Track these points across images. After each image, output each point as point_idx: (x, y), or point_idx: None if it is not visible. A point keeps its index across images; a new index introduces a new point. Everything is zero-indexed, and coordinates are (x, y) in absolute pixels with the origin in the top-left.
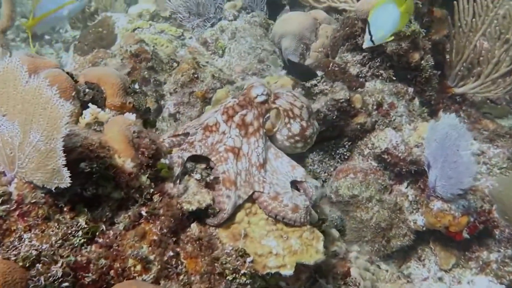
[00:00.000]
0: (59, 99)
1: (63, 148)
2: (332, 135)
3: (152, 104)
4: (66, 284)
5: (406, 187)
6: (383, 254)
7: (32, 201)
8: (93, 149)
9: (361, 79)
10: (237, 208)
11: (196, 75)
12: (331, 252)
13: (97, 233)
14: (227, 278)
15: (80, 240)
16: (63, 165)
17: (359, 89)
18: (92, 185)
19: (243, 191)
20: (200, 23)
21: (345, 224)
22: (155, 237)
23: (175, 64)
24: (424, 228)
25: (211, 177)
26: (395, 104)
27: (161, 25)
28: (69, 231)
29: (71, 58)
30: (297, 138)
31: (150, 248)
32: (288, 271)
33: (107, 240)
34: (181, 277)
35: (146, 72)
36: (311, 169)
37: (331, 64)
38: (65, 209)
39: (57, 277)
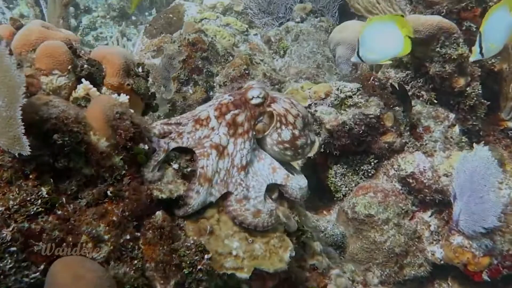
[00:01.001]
0: (16, 69)
1: (21, 117)
2: (358, 150)
3: (201, 93)
4: (14, 249)
5: (430, 216)
6: (393, 281)
7: None
8: (68, 123)
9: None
10: (210, 204)
11: (247, 71)
12: (309, 265)
13: (56, 205)
14: (183, 271)
15: (37, 208)
16: (23, 133)
17: (396, 107)
18: (64, 157)
19: (217, 189)
20: (269, 21)
21: (346, 242)
22: (114, 218)
23: (230, 58)
24: (442, 262)
25: (189, 169)
26: (431, 128)
27: (228, 19)
28: (29, 198)
29: (140, 40)
30: (286, 145)
31: (107, 228)
32: (244, 275)
33: (66, 213)
34: (135, 261)
35: (200, 62)
36: (333, 181)
37: (372, 78)
38: (30, 176)
39: (5, 240)
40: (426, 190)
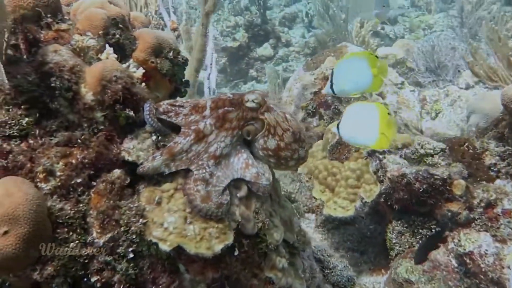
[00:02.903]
0: None
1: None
2: (420, 211)
3: (323, 128)
4: None
5: None
6: None
7: None
8: (62, 70)
9: (491, 173)
10: (170, 178)
11: None
12: (265, 277)
13: (28, 135)
14: (121, 227)
15: (13, 132)
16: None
17: (483, 182)
18: (55, 99)
19: (177, 164)
20: (433, 81)
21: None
22: (73, 161)
23: None
24: None
25: (163, 143)
26: None
27: None
28: (9, 122)
29: (297, 71)
30: (270, 153)
31: (63, 166)
32: (164, 246)
33: (35, 144)
34: (80, 204)
35: (330, 98)
36: (389, 237)
37: (465, 143)
38: (22, 106)
39: None
40: (482, 276)
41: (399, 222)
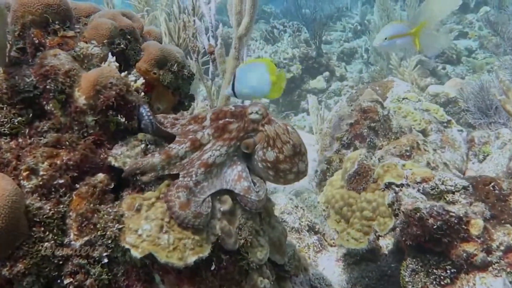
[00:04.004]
0: None
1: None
2: (435, 249)
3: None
4: None
5: None
6: None
7: None
8: (58, 73)
9: None
10: (154, 187)
11: (408, 153)
12: None
13: (18, 134)
14: (98, 231)
15: (4, 130)
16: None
17: (508, 225)
18: (50, 102)
19: (170, 168)
20: (484, 124)
21: None
22: (58, 162)
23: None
24: None
25: (151, 152)
26: None
27: (429, 105)
28: (1, 120)
29: (340, 102)
30: (268, 164)
31: (47, 166)
32: (136, 253)
33: (24, 143)
34: (60, 205)
35: (366, 130)
36: (403, 275)
37: (491, 183)
38: (16, 106)
39: None
40: None
41: (414, 260)
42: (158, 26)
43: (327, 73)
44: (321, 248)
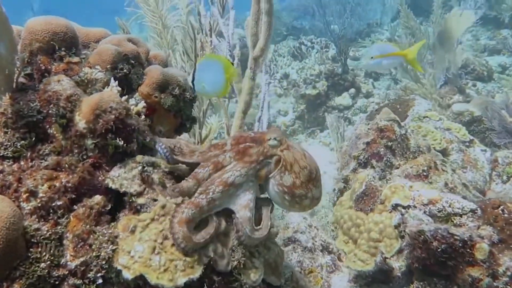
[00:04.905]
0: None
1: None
2: (441, 273)
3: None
4: None
5: None
6: None
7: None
8: (59, 98)
9: None
10: (149, 209)
11: (425, 174)
12: None
13: (21, 157)
14: (93, 252)
15: (7, 153)
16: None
17: None
18: (52, 126)
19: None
20: (509, 143)
21: None
22: (57, 184)
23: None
24: None
25: (148, 174)
26: None
27: (451, 124)
28: (5, 143)
29: (360, 120)
30: (285, 189)
31: (46, 189)
32: (127, 274)
33: (25, 166)
34: (58, 226)
35: (382, 149)
36: None
37: (500, 206)
38: (20, 130)
39: None
40: None
41: (421, 282)
42: (174, 47)
43: (352, 90)
44: (334, 268)
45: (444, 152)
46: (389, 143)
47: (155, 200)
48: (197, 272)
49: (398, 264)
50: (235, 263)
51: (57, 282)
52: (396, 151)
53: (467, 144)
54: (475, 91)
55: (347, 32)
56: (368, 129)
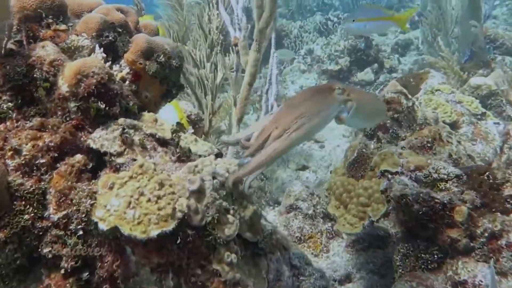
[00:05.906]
0: None
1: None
2: (422, 235)
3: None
4: None
5: None
6: None
7: None
8: (43, 63)
9: (508, 205)
10: (128, 167)
11: (429, 145)
12: (212, 269)
13: (6, 118)
14: (75, 206)
15: None
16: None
17: (498, 214)
18: (37, 89)
19: None
20: None
21: None
22: (40, 143)
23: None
24: None
25: (128, 135)
26: None
27: (463, 97)
28: None
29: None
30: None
31: (30, 147)
32: (102, 226)
33: (11, 126)
34: (41, 182)
35: (389, 121)
36: (395, 259)
37: (486, 172)
38: (7, 93)
39: None
40: None
41: (405, 244)
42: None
43: (375, 65)
44: (334, 234)
45: (455, 125)
46: (396, 115)
47: (135, 159)
48: (170, 225)
49: (395, 231)
50: (209, 218)
51: (41, 233)
52: (402, 123)
53: (479, 117)
54: (500, 66)
55: None
56: None
